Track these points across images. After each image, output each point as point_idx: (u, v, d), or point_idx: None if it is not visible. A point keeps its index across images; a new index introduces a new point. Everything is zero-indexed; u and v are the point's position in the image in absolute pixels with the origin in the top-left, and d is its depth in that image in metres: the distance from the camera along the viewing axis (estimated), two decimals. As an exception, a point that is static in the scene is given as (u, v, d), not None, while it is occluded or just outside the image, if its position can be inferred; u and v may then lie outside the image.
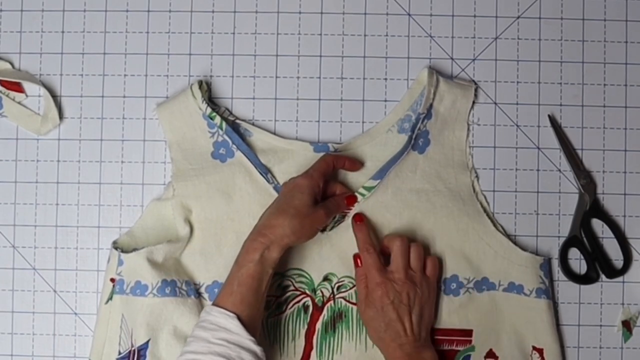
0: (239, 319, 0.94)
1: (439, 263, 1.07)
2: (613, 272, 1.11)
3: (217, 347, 0.92)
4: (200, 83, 1.10)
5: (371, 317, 1.02)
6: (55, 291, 1.11)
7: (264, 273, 0.98)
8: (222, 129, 1.09)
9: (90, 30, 1.13)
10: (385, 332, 1.01)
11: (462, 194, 1.09)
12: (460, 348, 1.07)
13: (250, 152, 1.09)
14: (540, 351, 1.07)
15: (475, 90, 1.11)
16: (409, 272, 1.03)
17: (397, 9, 1.13)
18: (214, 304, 0.97)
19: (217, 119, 1.09)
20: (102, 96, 1.13)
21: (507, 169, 1.12)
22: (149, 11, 1.13)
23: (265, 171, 1.08)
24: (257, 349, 0.94)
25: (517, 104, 1.13)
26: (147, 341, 1.05)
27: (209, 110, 1.09)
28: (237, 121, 1.11)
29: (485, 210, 1.09)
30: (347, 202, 1.07)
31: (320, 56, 1.13)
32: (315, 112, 1.13)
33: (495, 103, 1.13)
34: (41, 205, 1.12)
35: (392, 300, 1.01)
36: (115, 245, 1.08)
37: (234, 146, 1.09)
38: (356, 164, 1.08)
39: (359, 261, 1.05)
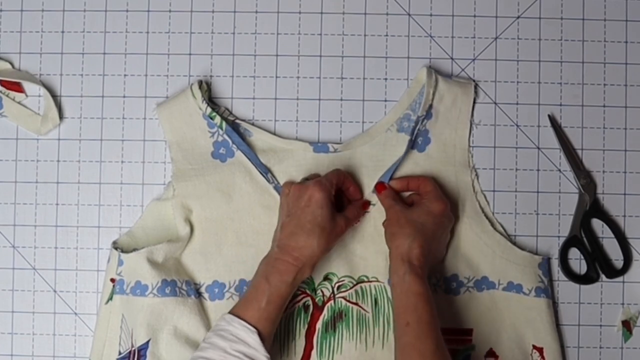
0: (259, 334, 0.95)
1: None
2: (613, 272, 1.11)
3: (233, 359, 0.93)
4: (200, 83, 1.10)
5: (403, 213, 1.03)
6: (55, 291, 1.11)
7: (292, 292, 1.00)
8: (222, 129, 1.09)
9: (90, 30, 1.13)
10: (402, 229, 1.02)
11: (460, 193, 1.09)
12: (460, 347, 1.07)
13: (250, 151, 1.09)
14: (540, 350, 1.07)
15: (475, 87, 1.11)
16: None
17: (397, 9, 1.13)
18: (234, 314, 0.97)
19: (217, 119, 1.09)
20: (102, 96, 1.13)
21: (507, 169, 1.12)
22: (149, 11, 1.13)
23: (265, 171, 1.08)
24: None
25: (517, 104, 1.13)
26: (148, 341, 1.05)
27: (209, 110, 1.09)
28: (237, 121, 1.11)
29: (483, 210, 1.09)
30: (363, 208, 1.08)
31: (320, 56, 1.13)
32: (315, 112, 1.13)
33: (495, 103, 1.13)
34: (41, 205, 1.12)
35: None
36: (115, 245, 1.08)
37: (234, 146, 1.09)
38: (358, 194, 1.08)
39: (381, 187, 1.07)
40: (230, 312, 0.98)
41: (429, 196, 1.05)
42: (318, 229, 0.99)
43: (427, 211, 1.03)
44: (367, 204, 1.08)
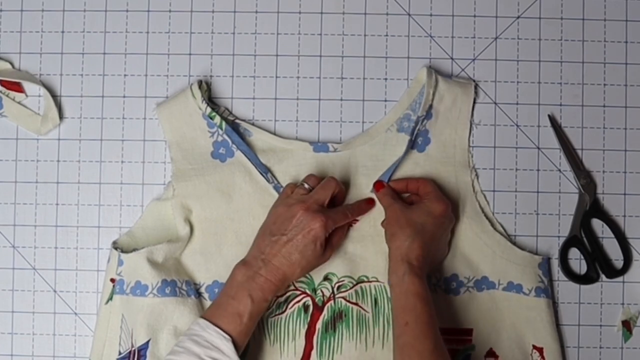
0: (233, 342, 0.96)
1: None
2: (613, 272, 1.11)
3: None
4: (200, 83, 1.10)
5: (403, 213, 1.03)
6: (55, 291, 1.11)
7: (267, 307, 1.02)
8: (221, 129, 1.09)
9: (90, 30, 1.13)
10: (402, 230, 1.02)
11: (460, 193, 1.09)
12: (460, 347, 1.07)
13: (250, 151, 1.09)
14: (540, 350, 1.07)
15: (475, 87, 1.11)
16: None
17: (397, 9, 1.13)
18: (210, 320, 0.97)
19: (217, 119, 1.09)
20: (102, 96, 1.13)
21: (507, 169, 1.12)
22: (149, 11, 1.14)
23: (265, 171, 1.08)
24: None
25: (517, 104, 1.13)
26: (148, 341, 1.05)
27: (208, 110, 1.09)
28: (237, 121, 1.11)
29: (483, 210, 1.09)
30: (348, 227, 1.08)
31: (320, 56, 1.13)
32: (315, 112, 1.13)
33: (495, 103, 1.13)
34: (41, 205, 1.12)
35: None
36: (115, 245, 1.08)
37: (233, 146, 1.09)
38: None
39: (378, 186, 1.08)
40: (205, 317, 0.98)
41: (429, 197, 1.05)
42: (304, 262, 1.00)
43: (427, 212, 1.03)
44: (356, 220, 1.08)
